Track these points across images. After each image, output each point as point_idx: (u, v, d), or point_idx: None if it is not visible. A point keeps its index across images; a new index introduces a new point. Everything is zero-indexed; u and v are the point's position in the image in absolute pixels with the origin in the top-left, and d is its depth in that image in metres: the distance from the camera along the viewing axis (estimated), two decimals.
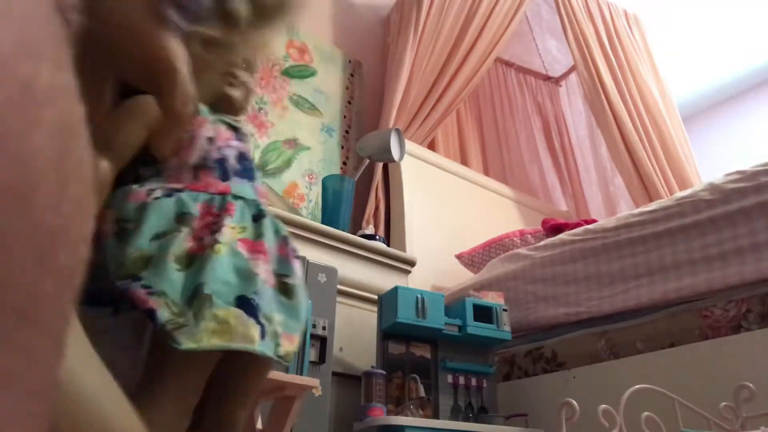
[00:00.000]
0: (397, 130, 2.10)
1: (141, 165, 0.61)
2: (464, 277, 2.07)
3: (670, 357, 1.36)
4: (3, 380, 0.13)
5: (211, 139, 0.65)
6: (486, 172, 2.89)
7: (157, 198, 0.60)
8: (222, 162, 0.64)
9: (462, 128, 2.95)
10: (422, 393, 1.44)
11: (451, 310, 1.57)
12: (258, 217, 0.66)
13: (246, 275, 0.59)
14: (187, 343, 0.53)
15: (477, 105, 3.13)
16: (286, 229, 0.69)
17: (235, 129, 0.70)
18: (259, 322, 0.58)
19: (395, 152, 2.06)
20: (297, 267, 0.66)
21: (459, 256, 2.16)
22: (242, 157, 0.67)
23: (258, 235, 0.64)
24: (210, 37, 0.66)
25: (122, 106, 0.52)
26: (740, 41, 3.67)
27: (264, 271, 0.61)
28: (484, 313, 1.57)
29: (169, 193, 0.61)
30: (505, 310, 1.60)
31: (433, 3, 2.57)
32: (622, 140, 2.59)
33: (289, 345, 0.61)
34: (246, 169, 0.67)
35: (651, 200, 2.31)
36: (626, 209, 2.57)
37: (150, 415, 0.47)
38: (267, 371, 0.70)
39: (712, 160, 3.59)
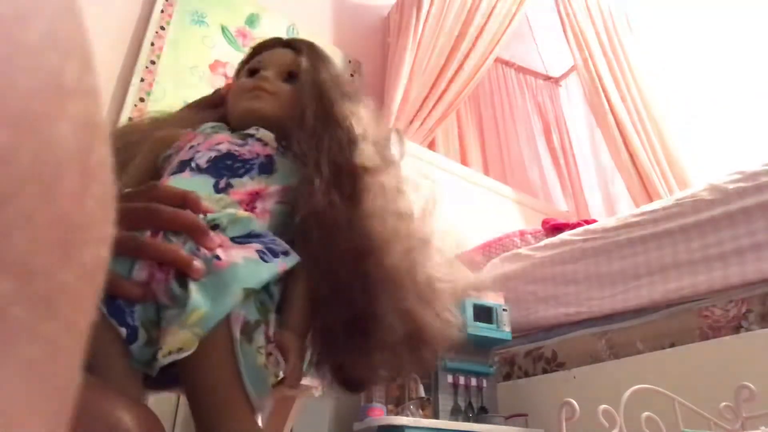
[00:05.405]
0: (397, 131, 2.10)
1: None
2: None
3: (670, 357, 1.36)
4: (28, 370, 0.13)
5: (192, 147, 0.62)
6: (486, 172, 2.89)
7: None
8: (186, 162, 0.60)
9: (462, 128, 2.95)
10: (422, 393, 1.44)
11: None
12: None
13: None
14: None
15: (477, 105, 3.13)
16: (225, 218, 0.55)
17: (245, 137, 0.65)
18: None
19: (395, 152, 2.05)
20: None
21: (459, 256, 2.16)
22: (222, 158, 0.60)
23: None
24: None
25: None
26: (740, 41, 3.67)
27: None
28: (484, 313, 1.57)
29: None
30: (505, 310, 1.60)
31: (433, 3, 2.57)
32: (622, 140, 2.60)
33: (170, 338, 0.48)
34: (214, 167, 0.59)
35: (651, 200, 2.31)
36: (626, 209, 2.57)
37: None
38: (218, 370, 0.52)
39: (712, 160, 3.59)
